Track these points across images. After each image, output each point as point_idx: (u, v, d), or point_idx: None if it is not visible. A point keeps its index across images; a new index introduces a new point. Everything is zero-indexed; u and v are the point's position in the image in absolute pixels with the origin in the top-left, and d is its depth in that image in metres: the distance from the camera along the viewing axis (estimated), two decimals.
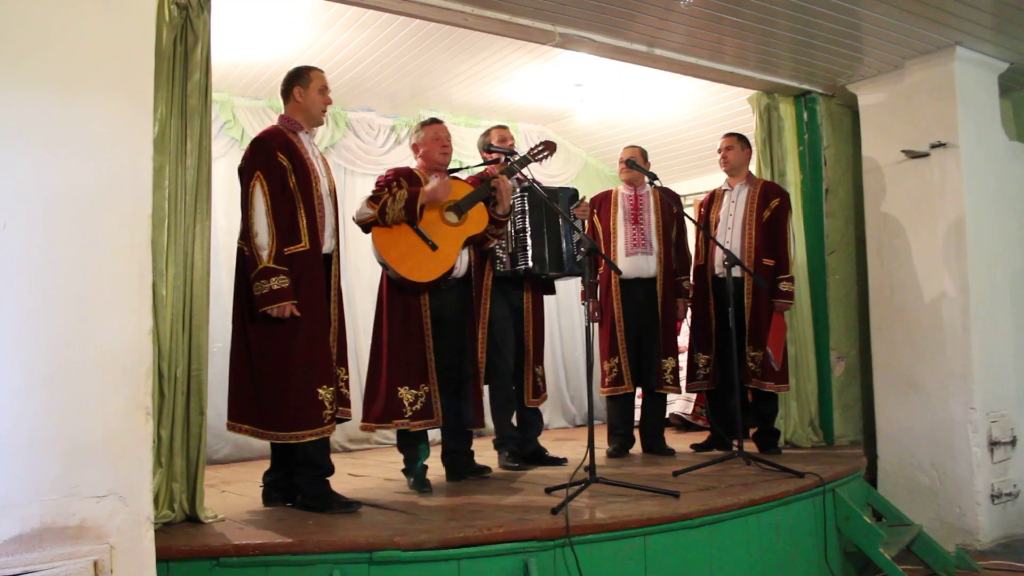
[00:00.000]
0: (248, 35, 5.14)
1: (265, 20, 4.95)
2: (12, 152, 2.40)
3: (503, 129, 4.94)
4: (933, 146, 5.20)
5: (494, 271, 4.68)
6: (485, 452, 5.21)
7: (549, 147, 4.57)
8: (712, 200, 5.44)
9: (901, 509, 4.96)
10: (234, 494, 4.28)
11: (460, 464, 4.45)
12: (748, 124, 5.85)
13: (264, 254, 3.50)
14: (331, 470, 3.75)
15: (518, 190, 4.65)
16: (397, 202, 4.00)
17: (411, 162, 4.49)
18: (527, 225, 4.66)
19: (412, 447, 4.20)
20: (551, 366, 7.38)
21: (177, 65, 3.49)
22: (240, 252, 3.65)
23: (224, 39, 4.93)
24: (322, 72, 3.87)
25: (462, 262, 4.21)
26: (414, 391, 4.04)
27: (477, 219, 4.21)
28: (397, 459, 4.43)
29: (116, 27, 2.63)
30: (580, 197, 5.04)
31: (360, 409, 4.15)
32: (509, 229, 4.65)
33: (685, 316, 5.40)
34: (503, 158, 4.55)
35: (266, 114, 6.13)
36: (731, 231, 5.24)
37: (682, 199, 7.88)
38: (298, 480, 3.70)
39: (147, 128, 2.72)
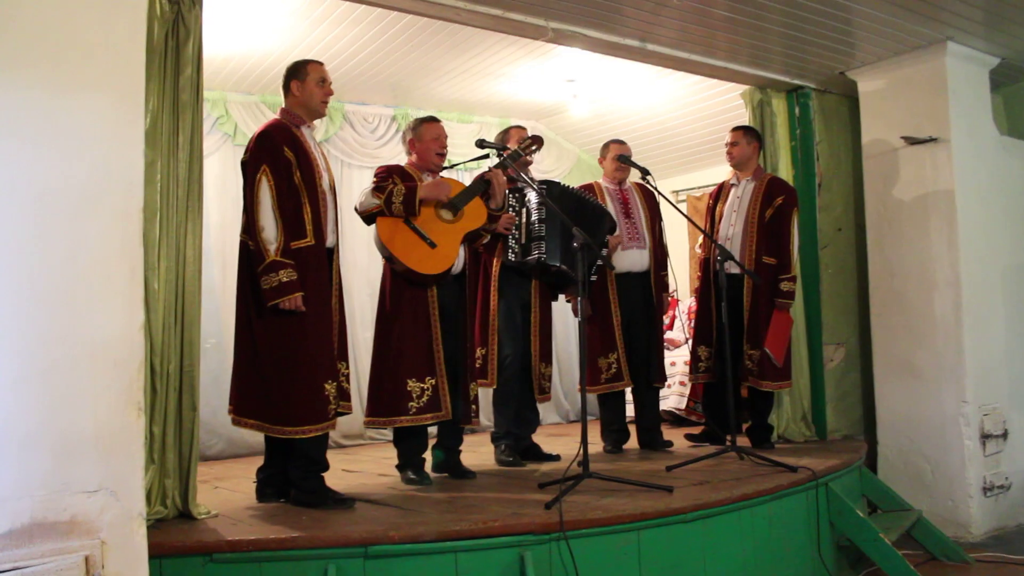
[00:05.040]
0: (240, 30, 5.12)
1: (257, 15, 4.94)
2: (3, 147, 2.38)
3: (521, 130, 4.99)
4: (925, 140, 5.21)
5: (504, 261, 4.68)
6: (481, 447, 5.23)
7: (536, 141, 4.60)
8: (719, 193, 5.43)
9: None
10: (227, 490, 4.27)
11: (449, 462, 4.43)
12: (741, 119, 5.85)
13: (272, 248, 3.49)
14: (326, 466, 3.75)
15: (535, 184, 4.63)
16: (397, 195, 4.00)
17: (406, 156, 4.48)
18: (543, 216, 4.64)
19: (412, 438, 4.21)
20: None
21: (169, 60, 3.47)
22: (244, 246, 3.64)
23: (216, 34, 4.91)
24: (320, 64, 3.85)
25: (460, 259, 4.21)
26: (421, 384, 4.04)
27: (474, 214, 4.20)
28: (391, 454, 4.43)
29: (107, 22, 2.62)
30: (616, 231, 5.05)
31: (358, 403, 4.15)
32: (524, 220, 4.65)
33: (669, 311, 5.41)
34: (495, 153, 4.53)
35: (259, 109, 6.12)
36: (733, 227, 5.22)
37: (675, 195, 7.92)
38: (293, 475, 3.69)
39: (139, 123, 2.71)
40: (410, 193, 4.01)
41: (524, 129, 5.03)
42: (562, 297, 5.23)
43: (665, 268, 5.33)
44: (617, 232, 5.07)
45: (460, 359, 4.26)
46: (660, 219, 5.36)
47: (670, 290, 5.40)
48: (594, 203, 4.96)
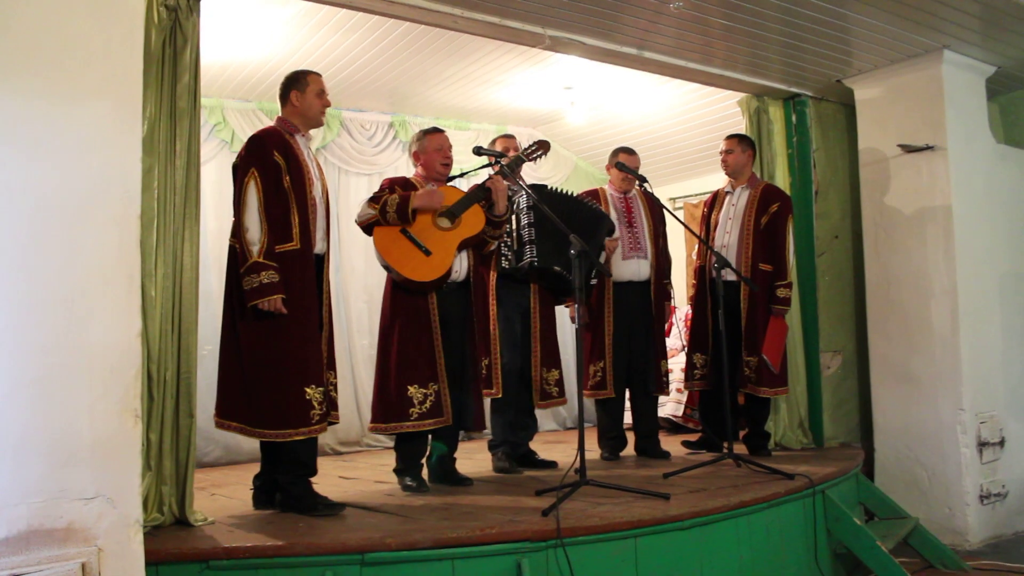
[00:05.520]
0: (238, 37, 5.13)
1: (255, 22, 4.94)
2: (0, 154, 2.39)
3: (507, 139, 5.01)
4: (921, 148, 5.23)
5: (499, 268, 4.69)
6: (478, 454, 5.23)
7: (543, 146, 4.56)
8: (714, 201, 5.45)
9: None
10: (224, 497, 4.26)
11: (445, 469, 4.43)
12: (738, 127, 5.87)
13: (255, 249, 3.50)
14: (314, 471, 3.73)
15: (523, 187, 4.63)
16: (391, 205, 4.03)
17: (404, 161, 4.50)
18: (533, 220, 4.65)
19: (412, 443, 4.21)
20: None
21: (166, 67, 3.48)
22: (232, 250, 3.66)
23: (213, 41, 4.92)
24: (319, 76, 3.88)
25: (461, 266, 4.22)
26: (423, 390, 4.05)
27: (471, 222, 4.21)
28: (388, 461, 4.42)
29: (104, 29, 2.63)
30: (615, 233, 5.05)
31: (348, 411, 4.15)
32: (514, 226, 4.65)
33: (668, 319, 5.41)
34: (495, 160, 4.53)
35: (256, 116, 6.13)
36: (729, 235, 5.23)
37: (672, 202, 7.93)
38: (280, 479, 3.68)
39: (136, 130, 2.72)
40: (403, 202, 4.04)
41: (512, 138, 5.02)
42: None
43: (668, 277, 5.35)
44: (616, 236, 5.07)
45: (465, 366, 4.27)
46: (664, 228, 5.36)
47: (671, 298, 5.40)
48: (589, 206, 4.96)
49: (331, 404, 3.80)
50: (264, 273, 3.48)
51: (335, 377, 3.88)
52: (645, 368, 5.20)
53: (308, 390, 3.57)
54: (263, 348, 3.55)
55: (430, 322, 4.13)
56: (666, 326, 5.48)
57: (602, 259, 4.93)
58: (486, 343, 4.64)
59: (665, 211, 5.25)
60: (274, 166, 3.60)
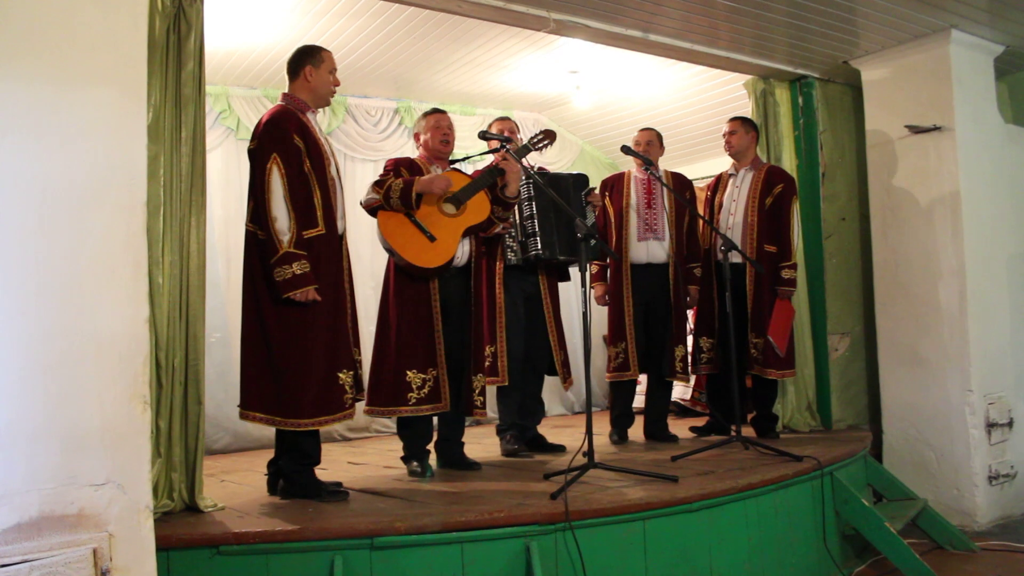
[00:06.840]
0: (242, 24, 5.12)
1: (259, 9, 4.93)
2: (6, 143, 2.39)
3: (502, 121, 4.98)
4: (928, 129, 5.20)
5: (505, 261, 4.70)
6: (486, 439, 5.24)
7: (549, 136, 4.54)
8: (718, 184, 5.43)
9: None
10: (233, 483, 4.28)
11: (452, 454, 4.45)
12: (745, 109, 5.84)
13: (285, 239, 3.46)
14: (318, 460, 3.73)
15: (523, 177, 4.62)
16: (394, 191, 4.01)
17: (410, 147, 4.50)
18: (534, 211, 4.65)
19: (415, 429, 4.22)
20: None
21: (171, 55, 3.47)
22: (251, 236, 3.60)
23: (218, 28, 4.91)
24: (331, 53, 3.84)
25: (463, 252, 4.21)
26: (422, 375, 4.06)
27: (477, 209, 4.19)
28: (396, 447, 4.44)
29: (109, 17, 2.61)
30: (590, 186, 5.02)
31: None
32: (516, 218, 4.64)
33: (693, 304, 5.39)
34: (500, 145, 4.52)
35: (261, 103, 6.12)
36: (733, 216, 5.22)
37: None
38: (284, 466, 3.68)
39: (141, 117, 2.71)
40: (406, 187, 4.01)
41: (507, 120, 5.00)
42: (568, 286, 5.23)
43: (696, 260, 5.30)
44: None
45: (464, 353, 4.27)
46: (688, 211, 5.27)
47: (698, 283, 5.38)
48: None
49: (359, 383, 3.79)
50: (296, 264, 3.45)
51: (359, 354, 3.88)
52: (661, 353, 5.19)
53: (341, 375, 3.58)
54: (294, 337, 3.51)
55: (431, 308, 4.13)
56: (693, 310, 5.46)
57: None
58: (491, 330, 4.65)
59: (691, 195, 5.27)
60: (295, 150, 3.54)
